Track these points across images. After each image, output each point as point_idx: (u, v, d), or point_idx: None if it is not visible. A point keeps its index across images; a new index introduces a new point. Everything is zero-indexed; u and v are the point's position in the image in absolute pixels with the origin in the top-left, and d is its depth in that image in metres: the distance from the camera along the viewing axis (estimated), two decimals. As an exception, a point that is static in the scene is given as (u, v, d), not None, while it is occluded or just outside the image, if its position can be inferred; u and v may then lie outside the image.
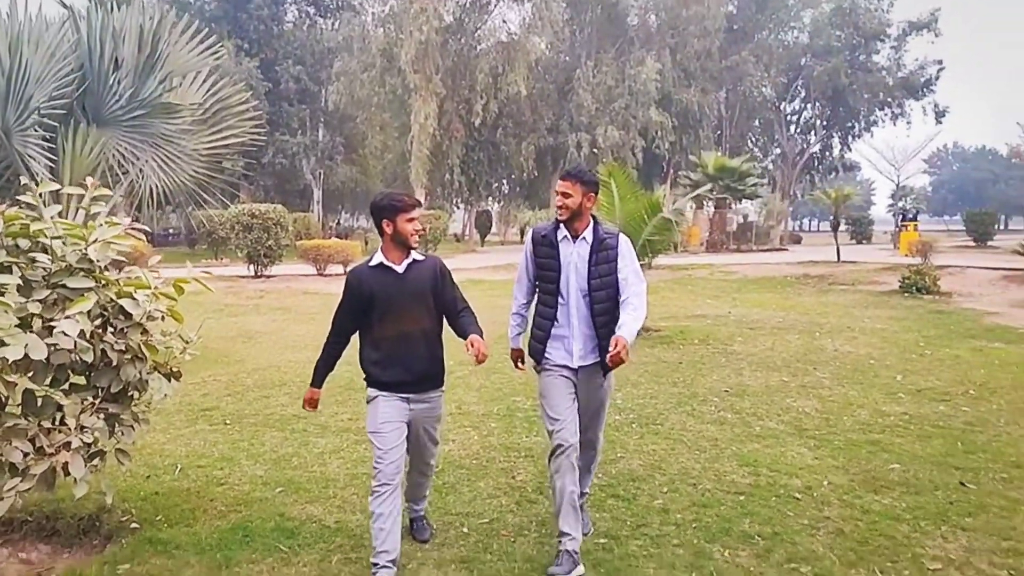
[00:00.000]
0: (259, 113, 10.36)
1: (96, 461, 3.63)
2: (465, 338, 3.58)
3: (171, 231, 38.77)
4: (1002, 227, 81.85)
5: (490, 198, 48.24)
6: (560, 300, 3.71)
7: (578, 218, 3.66)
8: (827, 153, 43.84)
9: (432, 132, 33.55)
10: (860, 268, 20.71)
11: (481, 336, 3.58)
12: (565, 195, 3.63)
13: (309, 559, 3.71)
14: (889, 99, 40.71)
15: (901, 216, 35.40)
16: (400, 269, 3.56)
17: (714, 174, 29.42)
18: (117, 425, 3.75)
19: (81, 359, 3.46)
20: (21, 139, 7.86)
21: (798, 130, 42.88)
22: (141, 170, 8.60)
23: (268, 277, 19.34)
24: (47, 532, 4.17)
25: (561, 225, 3.71)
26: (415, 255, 3.62)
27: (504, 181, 45.30)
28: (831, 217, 26.28)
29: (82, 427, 3.51)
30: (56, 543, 4.09)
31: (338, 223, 47.12)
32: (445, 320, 3.76)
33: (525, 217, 39.70)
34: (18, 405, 3.50)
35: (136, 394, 3.84)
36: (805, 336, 10.69)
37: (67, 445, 3.41)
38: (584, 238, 3.68)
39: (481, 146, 38.57)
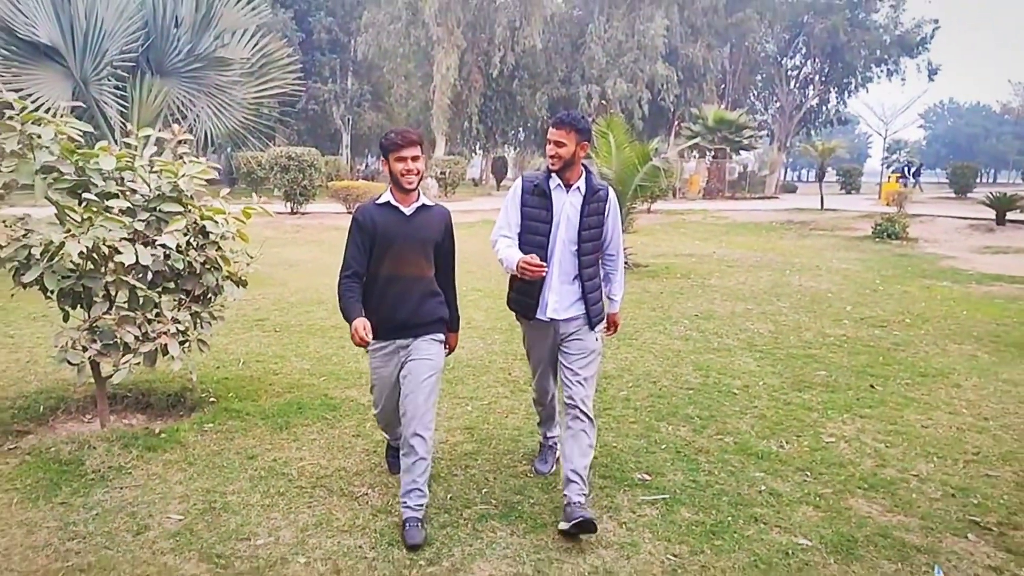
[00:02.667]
0: (299, 65, 10.90)
1: (186, 346, 4.40)
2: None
3: (212, 170, 39.34)
4: (990, 180, 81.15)
5: (506, 145, 48.29)
6: (547, 253, 3.37)
7: (570, 167, 3.34)
8: (824, 107, 43.50)
9: (453, 82, 33.67)
10: (841, 215, 21.14)
11: (457, 328, 3.62)
12: (559, 144, 3.29)
13: (348, 424, 4.51)
14: (885, 56, 40.11)
15: (907, 167, 35.47)
16: (407, 211, 3.24)
17: (713, 126, 29.57)
18: (199, 321, 4.52)
19: (173, 267, 4.21)
20: (97, 88, 8.55)
21: (797, 85, 42.40)
22: (198, 116, 9.27)
23: (303, 214, 20.05)
24: (143, 405, 5.00)
25: (553, 174, 3.38)
26: (424, 200, 3.30)
27: (520, 129, 45.25)
28: (817, 168, 26.48)
29: (175, 320, 4.29)
30: (151, 413, 4.92)
31: (365, 166, 47.50)
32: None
33: (537, 163, 40.00)
34: (125, 302, 4.27)
35: (213, 297, 4.59)
36: (776, 273, 11.33)
37: (166, 332, 4.19)
38: (578, 188, 3.37)
39: (498, 96, 38.57)
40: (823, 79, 41.89)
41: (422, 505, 3.22)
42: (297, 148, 20.74)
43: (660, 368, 5.88)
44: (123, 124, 8.66)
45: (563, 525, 3.13)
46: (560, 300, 3.40)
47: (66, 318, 4.29)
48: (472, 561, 2.98)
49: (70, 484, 3.57)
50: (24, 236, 3.90)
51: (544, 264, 3.23)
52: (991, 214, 18.41)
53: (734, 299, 9.05)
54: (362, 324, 3.07)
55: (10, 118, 3.85)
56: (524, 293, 3.45)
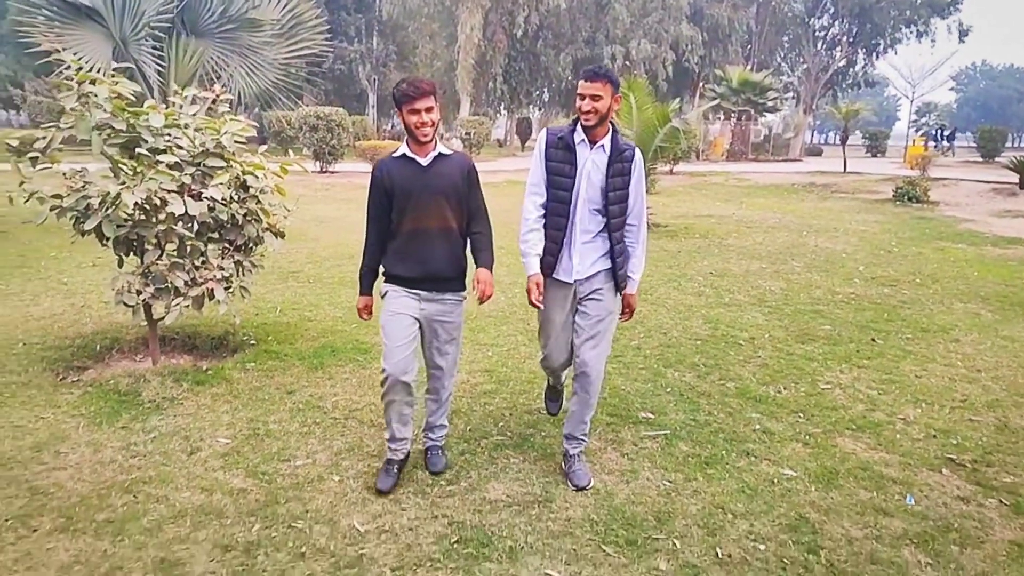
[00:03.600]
0: (326, 26, 11.04)
1: (230, 292, 4.72)
2: (476, 264, 3.26)
3: (242, 130, 39.76)
4: (1021, 144, 79.04)
5: (530, 106, 47.97)
6: (569, 209, 3.22)
7: (602, 123, 3.16)
8: (851, 69, 42.56)
9: (477, 42, 33.50)
10: (864, 178, 20.97)
11: (490, 268, 3.26)
12: (595, 97, 3.08)
13: (378, 366, 4.80)
14: (915, 17, 39.04)
15: (940, 131, 34.78)
16: (424, 162, 3.13)
17: (738, 87, 29.22)
18: (241, 269, 4.83)
19: (218, 218, 4.51)
20: (136, 48, 8.80)
21: (824, 46, 41.50)
22: (231, 76, 9.52)
23: (332, 173, 20.34)
24: (189, 347, 5.34)
25: (578, 128, 3.20)
26: (442, 149, 3.17)
27: (544, 90, 44.95)
28: (841, 131, 26.17)
29: (220, 267, 4.60)
30: (196, 354, 5.26)
31: (392, 126, 47.57)
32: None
33: (561, 124, 39.72)
34: (174, 250, 4.59)
35: (254, 247, 4.90)
36: (793, 234, 11.44)
37: (212, 278, 4.51)
38: (603, 146, 3.19)
39: (522, 56, 38.26)
40: (851, 40, 40.93)
41: (443, 436, 3.56)
42: (325, 108, 20.94)
43: (671, 321, 6.12)
44: (161, 83, 8.95)
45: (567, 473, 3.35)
46: (583, 260, 3.23)
47: (121, 264, 4.62)
48: (487, 482, 3.29)
49: (129, 412, 3.94)
50: (83, 188, 4.21)
51: (539, 306, 3.23)
52: (1015, 178, 18.18)
53: (749, 258, 9.21)
54: (364, 304, 3.42)
55: (58, 74, 4.13)
56: (544, 251, 3.25)
